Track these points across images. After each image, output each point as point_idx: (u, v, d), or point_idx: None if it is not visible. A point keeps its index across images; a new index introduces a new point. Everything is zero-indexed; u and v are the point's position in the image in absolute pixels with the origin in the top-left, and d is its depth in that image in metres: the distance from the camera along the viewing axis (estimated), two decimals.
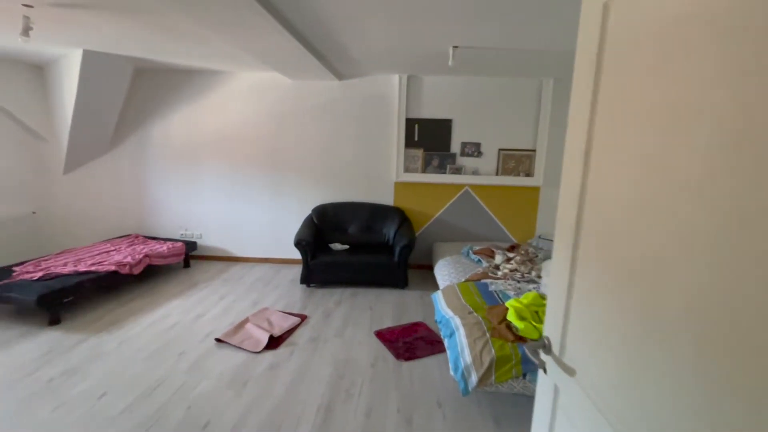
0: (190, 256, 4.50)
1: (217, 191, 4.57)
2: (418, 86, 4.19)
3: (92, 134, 4.25)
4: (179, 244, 4.23)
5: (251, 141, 4.43)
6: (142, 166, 4.55)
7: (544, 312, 2.33)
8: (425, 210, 4.43)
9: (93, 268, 3.37)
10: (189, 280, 4.04)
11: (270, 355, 2.65)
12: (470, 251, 3.76)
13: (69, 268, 3.34)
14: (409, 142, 4.29)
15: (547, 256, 3.66)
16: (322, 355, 2.66)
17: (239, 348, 2.72)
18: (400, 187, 4.40)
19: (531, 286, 2.90)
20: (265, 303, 3.51)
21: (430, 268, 4.26)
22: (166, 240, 4.38)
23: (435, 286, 3.84)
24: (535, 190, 4.31)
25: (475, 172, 4.30)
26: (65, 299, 3.07)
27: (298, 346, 2.78)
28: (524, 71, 3.84)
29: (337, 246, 4.06)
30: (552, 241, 4.07)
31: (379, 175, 4.40)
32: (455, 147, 4.29)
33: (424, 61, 3.47)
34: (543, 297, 2.51)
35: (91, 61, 3.57)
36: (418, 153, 4.31)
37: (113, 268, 3.44)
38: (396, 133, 4.26)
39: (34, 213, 4.24)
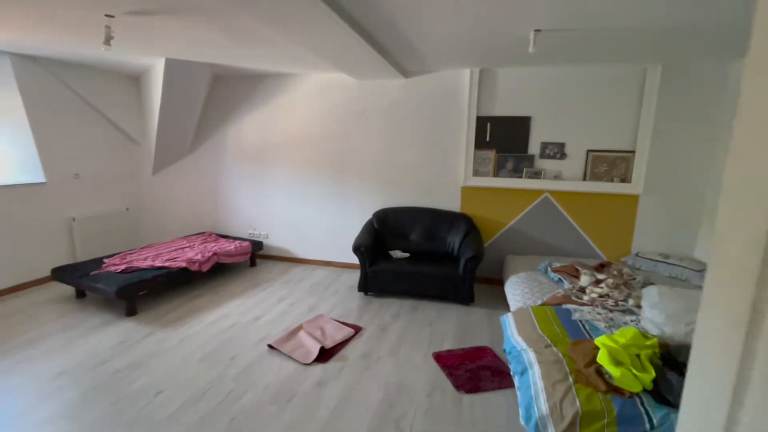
0: (256, 255, 4.62)
1: (283, 192, 4.63)
2: (492, 80, 3.78)
3: (175, 138, 4.57)
4: (246, 243, 4.34)
5: (316, 143, 4.41)
6: (217, 168, 4.79)
7: (648, 357, 1.83)
8: (496, 218, 3.99)
9: (167, 264, 3.56)
10: (252, 280, 4.11)
11: (319, 369, 2.50)
12: (549, 268, 3.26)
13: (147, 263, 3.56)
14: (480, 143, 3.89)
15: (648, 280, 3.02)
16: (373, 375, 2.43)
17: (289, 357, 2.61)
18: (467, 192, 4.02)
19: (628, 318, 2.36)
20: (322, 309, 3.40)
21: (500, 283, 3.82)
22: (235, 239, 4.53)
23: (505, 306, 3.40)
24: (633, 198, 3.63)
25: (557, 177, 3.76)
26: (140, 292, 3.27)
27: (349, 361, 2.59)
28: (623, 57, 3.23)
29: (397, 253, 3.83)
30: (654, 260, 3.38)
31: (445, 178, 4.07)
32: (534, 148, 3.79)
33: (499, 50, 3.08)
34: (646, 335, 1.99)
35: (173, 68, 3.80)
36: (490, 155, 3.90)
37: (184, 264, 3.60)
38: (465, 134, 3.89)
39: (127, 209, 4.69)
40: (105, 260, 3.65)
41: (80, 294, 3.54)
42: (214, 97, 4.63)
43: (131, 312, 3.21)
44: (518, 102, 3.76)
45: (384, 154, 4.22)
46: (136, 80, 4.47)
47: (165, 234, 4.97)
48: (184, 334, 2.92)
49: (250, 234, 4.82)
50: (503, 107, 3.80)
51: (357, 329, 3.02)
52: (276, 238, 4.76)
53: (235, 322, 3.14)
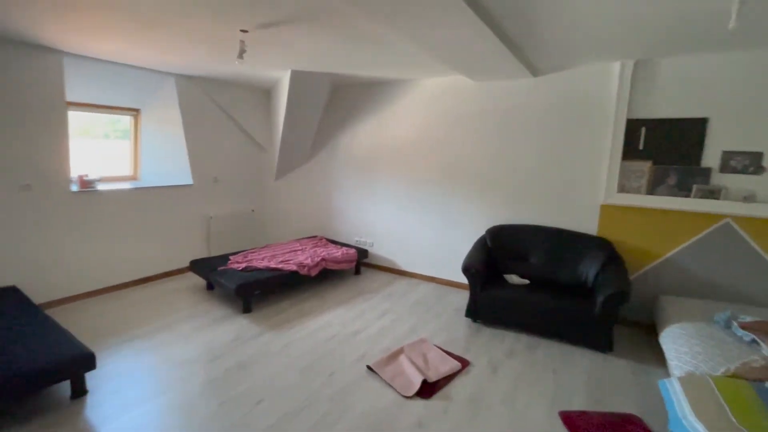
0: (361, 263, 4.59)
1: (391, 201, 4.51)
2: (650, 74, 3.03)
3: (296, 145, 4.85)
4: (352, 251, 4.33)
5: (427, 150, 4.18)
6: (330, 175, 4.93)
7: None
8: (647, 246, 3.17)
9: (280, 266, 3.71)
10: (356, 289, 4.06)
11: (420, 405, 2.21)
12: (733, 321, 2.40)
13: (264, 263, 3.76)
14: (630, 152, 3.15)
15: None
16: (483, 428, 2.04)
17: (389, 385, 2.38)
18: (609, 211, 3.29)
19: None
20: (424, 332, 3.11)
21: (650, 329, 3.02)
22: (342, 245, 4.57)
23: (658, 361, 2.66)
24: None
25: (747, 198, 2.80)
26: (255, 291, 3.45)
27: (454, 403, 2.24)
28: None
29: (513, 278, 3.33)
30: None
31: (579, 194, 3.41)
32: (711, 159, 2.90)
33: (674, 31, 2.39)
34: None
35: (297, 80, 3.99)
36: (643, 167, 3.12)
37: (294, 268, 3.71)
38: (609, 140, 3.20)
39: (252, 211, 5.14)
40: (230, 257, 3.98)
41: (210, 286, 3.92)
42: (331, 107, 4.78)
43: (246, 309, 3.40)
44: (688, 100, 2.93)
45: (503, 163, 3.76)
46: (267, 93, 4.87)
47: (282, 235, 5.31)
48: (289, 339, 2.95)
49: (356, 241, 4.83)
50: (665, 107, 3.01)
51: (464, 363, 2.64)
52: (381, 248, 4.67)
53: (336, 333, 3.06)
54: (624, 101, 3.10)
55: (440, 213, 4.18)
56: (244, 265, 3.71)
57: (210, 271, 3.66)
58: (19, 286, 3.10)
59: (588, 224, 3.38)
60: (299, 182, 5.18)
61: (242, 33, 2.56)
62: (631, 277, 3.18)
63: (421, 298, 3.84)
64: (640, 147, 3.12)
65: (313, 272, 3.86)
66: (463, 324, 3.28)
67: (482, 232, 3.81)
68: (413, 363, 2.57)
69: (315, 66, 3.69)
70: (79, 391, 2.21)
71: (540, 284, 3.25)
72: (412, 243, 4.42)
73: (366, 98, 4.53)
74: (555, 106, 3.45)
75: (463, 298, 3.77)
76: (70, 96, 3.44)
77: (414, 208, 4.35)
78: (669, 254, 3.10)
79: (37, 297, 3.21)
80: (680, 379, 1.96)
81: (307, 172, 5.11)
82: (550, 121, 3.48)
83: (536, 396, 2.32)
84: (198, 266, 3.81)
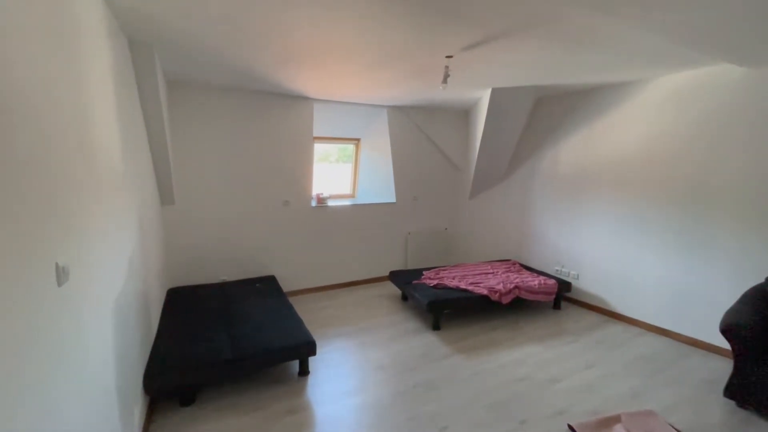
0: (563, 297, 4.00)
1: (604, 226, 3.76)
2: None
3: (492, 165, 4.70)
4: (552, 281, 3.82)
5: (659, 166, 3.28)
6: (527, 195, 4.54)
7: None
8: None
9: (470, 288, 3.62)
10: (555, 326, 3.54)
11: None
12: None
13: (454, 283, 3.76)
14: None
15: None
16: None
17: None
18: None
19: None
20: (651, 402, 2.39)
21: None
22: (539, 273, 4.10)
23: None
24: None
25: None
26: (445, 310, 3.46)
27: None
28: None
29: None
30: None
31: None
32: None
33: None
34: None
35: (497, 97, 3.87)
36: None
37: (485, 292, 3.54)
38: None
39: (446, 229, 5.27)
40: (424, 272, 4.16)
41: (404, 297, 4.20)
42: (533, 122, 4.42)
43: (436, 326, 3.45)
44: None
45: None
46: (465, 114, 4.95)
47: (472, 255, 5.22)
48: (477, 368, 2.79)
49: (556, 271, 4.25)
50: None
51: None
52: (588, 282, 3.94)
53: (529, 374, 2.71)
54: None
55: (680, 246, 3.19)
56: (435, 281, 3.80)
57: (405, 283, 3.91)
58: (276, 276, 4.09)
59: None
60: (493, 202, 5.00)
61: (447, 59, 2.65)
62: None
63: (646, 355, 2.99)
64: None
65: (505, 300, 3.59)
66: (718, 405, 2.34)
67: (754, 278, 2.68)
68: None
69: (517, 80, 3.48)
70: (304, 371, 2.69)
71: None
72: (633, 280, 3.53)
73: (573, 109, 3.97)
74: None
75: (717, 366, 2.74)
76: (315, 132, 4.38)
77: (637, 237, 3.48)
78: None
79: (285, 286, 4.17)
80: None
81: (503, 191, 4.88)
82: None
83: None
84: (396, 277, 4.14)
